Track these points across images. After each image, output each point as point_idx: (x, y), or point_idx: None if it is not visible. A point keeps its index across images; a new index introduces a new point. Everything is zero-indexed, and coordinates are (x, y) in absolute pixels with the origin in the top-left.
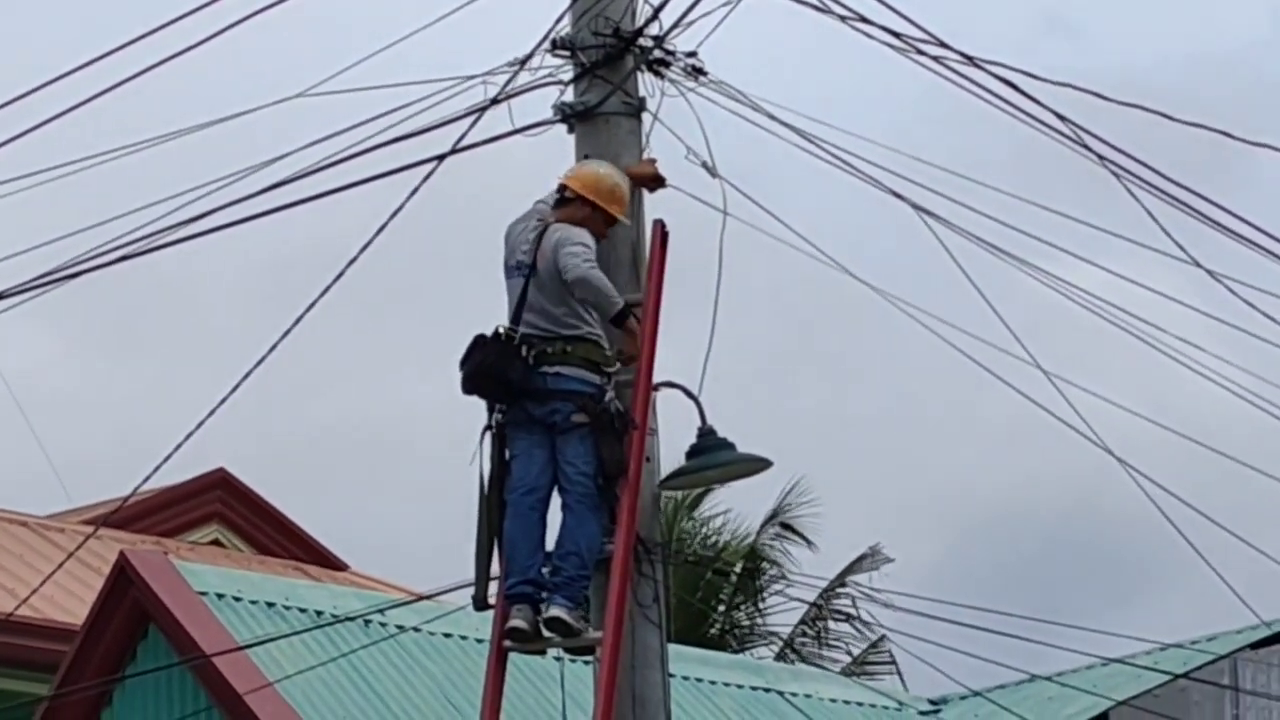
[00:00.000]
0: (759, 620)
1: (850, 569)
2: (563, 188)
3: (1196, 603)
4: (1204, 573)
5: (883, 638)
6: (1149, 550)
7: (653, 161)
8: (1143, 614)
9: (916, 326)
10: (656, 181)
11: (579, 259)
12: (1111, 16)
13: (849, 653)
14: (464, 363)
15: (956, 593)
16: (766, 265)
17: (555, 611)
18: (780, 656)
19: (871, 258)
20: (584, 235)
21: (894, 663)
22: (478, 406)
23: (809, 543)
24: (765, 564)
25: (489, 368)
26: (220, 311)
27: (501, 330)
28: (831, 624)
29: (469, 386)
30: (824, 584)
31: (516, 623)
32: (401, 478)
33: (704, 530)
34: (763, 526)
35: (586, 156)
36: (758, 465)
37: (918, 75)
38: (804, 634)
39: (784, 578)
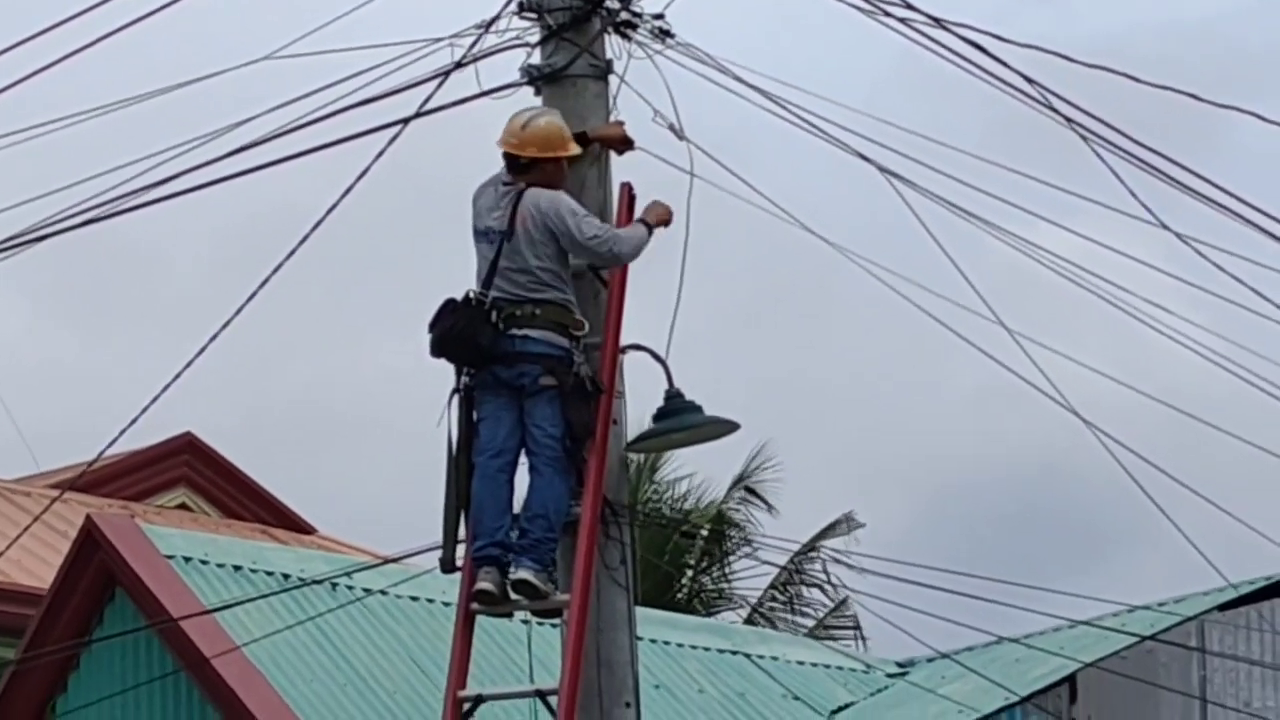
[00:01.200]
0: (726, 585)
1: (822, 534)
2: (513, 156)
3: (1166, 566)
4: (1173, 535)
5: (845, 600)
6: (1118, 513)
7: (621, 124)
8: (1112, 577)
9: (885, 290)
10: (625, 144)
11: (604, 230)
12: None
13: (816, 618)
14: (433, 326)
15: (925, 556)
16: (735, 228)
17: (522, 574)
18: (749, 621)
19: (841, 221)
20: (570, 200)
21: (858, 627)
22: (445, 370)
23: (770, 507)
24: (732, 529)
25: (459, 332)
26: (189, 277)
27: (472, 295)
28: (803, 590)
29: (438, 350)
30: (794, 548)
31: (484, 585)
32: (368, 441)
33: (668, 494)
34: (729, 490)
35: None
36: (725, 428)
37: (890, 40)
38: (774, 599)
39: (749, 542)
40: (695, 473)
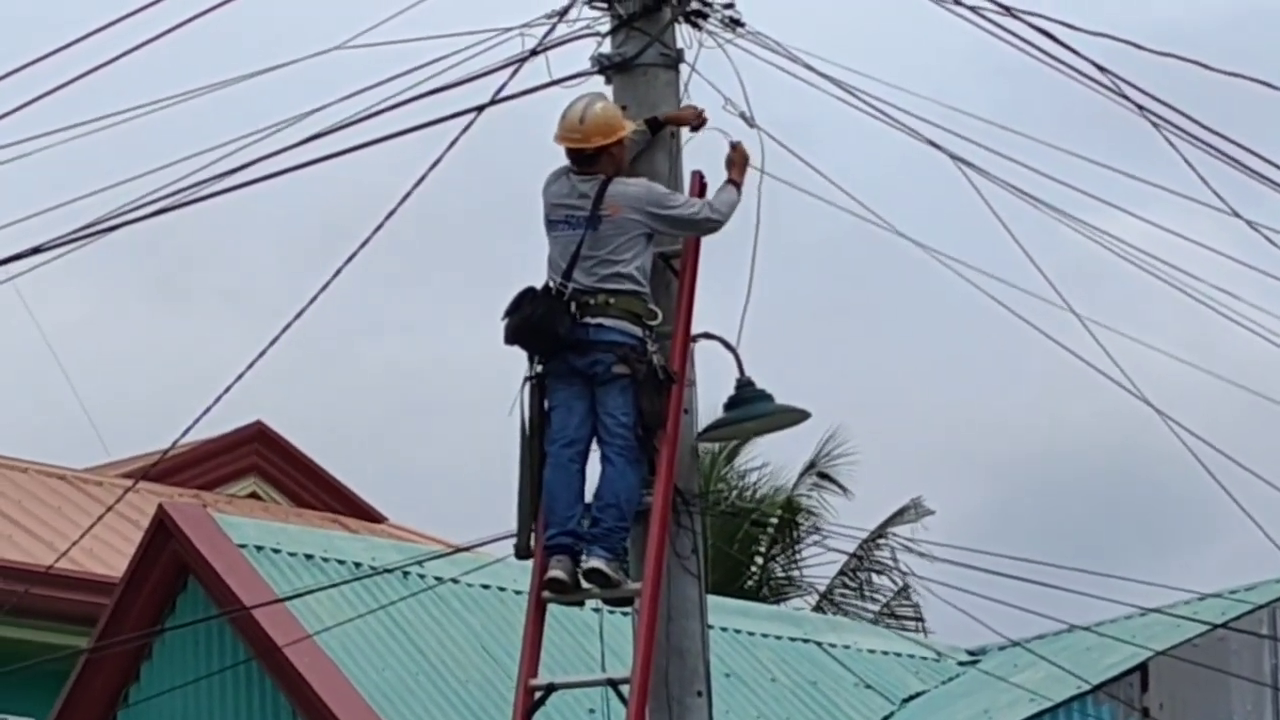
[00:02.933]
0: (796, 572)
1: (890, 521)
2: (577, 150)
3: (1237, 552)
4: (1244, 521)
5: (906, 587)
6: (1190, 500)
7: (692, 107)
8: (1184, 564)
9: (958, 278)
10: (699, 120)
11: (697, 201)
12: None
13: (886, 605)
14: (509, 314)
15: (996, 543)
16: (808, 216)
17: (594, 563)
18: (818, 608)
19: (914, 210)
20: (656, 183)
21: (919, 618)
22: (517, 357)
23: (845, 491)
24: (802, 515)
25: (538, 321)
26: (264, 265)
27: (553, 285)
28: (873, 576)
29: (514, 338)
30: (862, 535)
31: (555, 574)
32: (440, 430)
33: (741, 482)
34: (800, 477)
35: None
36: (796, 416)
37: (962, 28)
38: (844, 585)
39: (819, 530)
40: (768, 462)
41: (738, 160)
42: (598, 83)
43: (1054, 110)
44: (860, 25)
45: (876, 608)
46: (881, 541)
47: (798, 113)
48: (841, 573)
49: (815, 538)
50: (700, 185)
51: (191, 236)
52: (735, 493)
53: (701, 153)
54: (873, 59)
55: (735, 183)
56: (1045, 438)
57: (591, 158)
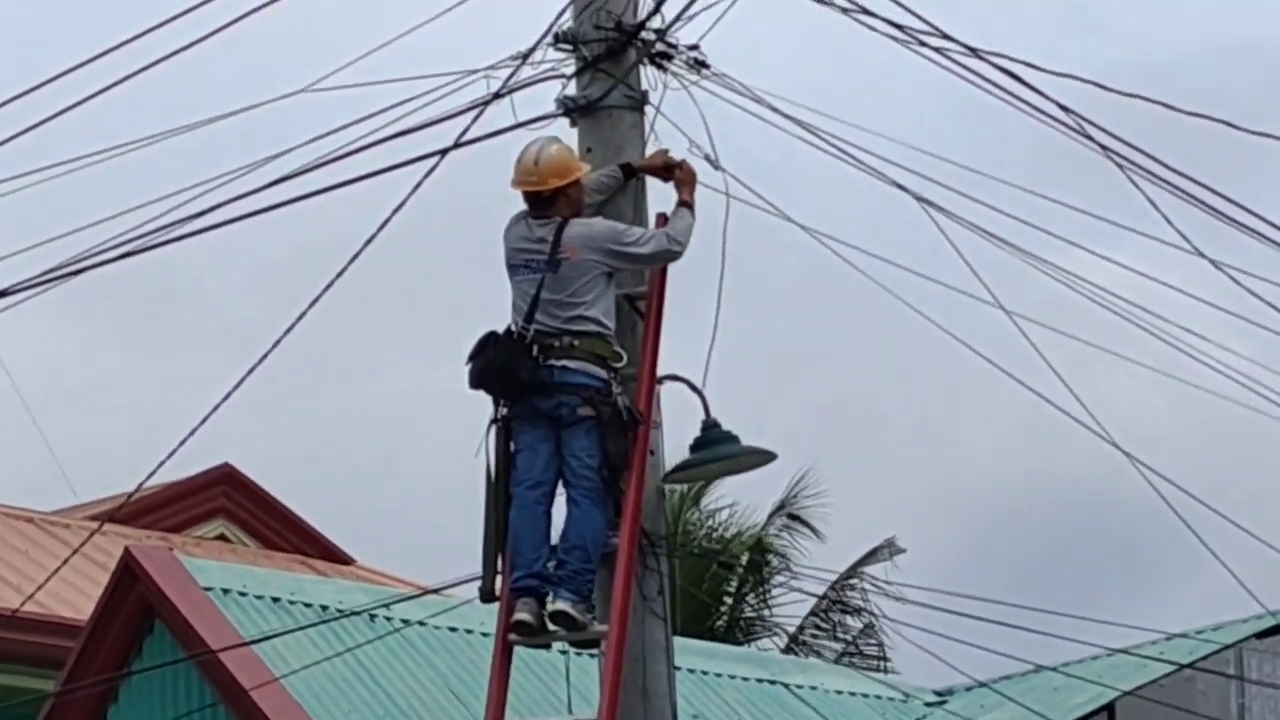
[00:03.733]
0: (766, 612)
1: (863, 561)
2: (534, 194)
3: (1208, 593)
4: (1214, 562)
5: (871, 625)
6: (1160, 541)
7: (663, 151)
8: (1154, 605)
9: (930, 313)
10: (668, 170)
11: (652, 232)
12: (1134, 11)
13: (854, 645)
14: (473, 358)
15: (967, 583)
16: (781, 257)
17: (560, 605)
18: (789, 649)
19: (886, 250)
20: (610, 220)
21: (883, 656)
22: (483, 400)
23: (816, 533)
24: (771, 556)
25: (500, 365)
26: (231, 308)
27: (515, 328)
28: (846, 618)
29: (478, 382)
30: (832, 577)
31: (522, 616)
32: (407, 472)
33: (710, 522)
34: (770, 517)
35: (525, 149)
36: (762, 458)
37: (932, 69)
38: (816, 626)
39: (788, 569)
40: (737, 501)
41: (685, 179)
42: (563, 125)
43: (1025, 150)
44: (836, 66)
45: (840, 647)
46: (854, 581)
47: (770, 151)
48: (813, 613)
49: (783, 578)
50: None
51: (160, 279)
52: (705, 532)
53: (668, 194)
54: (846, 99)
55: (687, 204)
56: (1019, 478)
57: (548, 201)
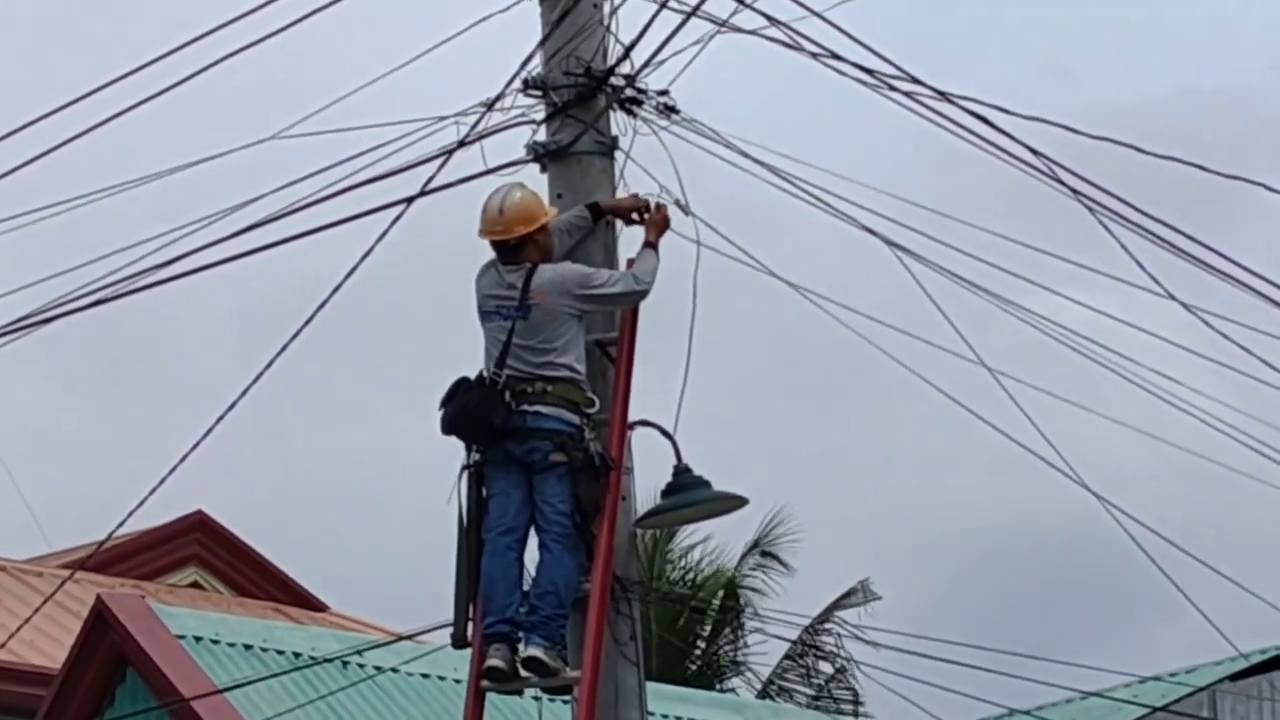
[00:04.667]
0: (740, 656)
1: (837, 604)
2: (501, 242)
3: (1182, 635)
4: (1187, 605)
5: (843, 669)
6: (1134, 584)
7: (635, 196)
8: (1129, 648)
9: (903, 357)
10: (638, 213)
11: (619, 274)
12: (1108, 58)
13: (823, 687)
14: (445, 404)
15: (942, 628)
16: (755, 302)
17: (532, 651)
18: (763, 693)
19: (858, 293)
20: (578, 264)
21: (858, 700)
22: (456, 446)
23: (787, 567)
24: (747, 594)
25: (471, 412)
26: (206, 354)
27: (486, 375)
28: (819, 663)
29: (450, 429)
30: (805, 621)
31: (494, 662)
32: (380, 518)
33: (683, 564)
34: (743, 557)
35: (498, 197)
36: (733, 503)
37: (903, 113)
38: (791, 669)
39: (760, 616)
40: (709, 537)
41: (657, 221)
42: (533, 171)
43: (997, 194)
44: (808, 110)
45: (812, 691)
46: (829, 624)
47: (743, 195)
48: (787, 656)
49: (757, 624)
50: None
51: (131, 328)
52: (680, 574)
53: (639, 240)
54: (816, 144)
55: (652, 245)
56: (993, 522)
57: (516, 247)
